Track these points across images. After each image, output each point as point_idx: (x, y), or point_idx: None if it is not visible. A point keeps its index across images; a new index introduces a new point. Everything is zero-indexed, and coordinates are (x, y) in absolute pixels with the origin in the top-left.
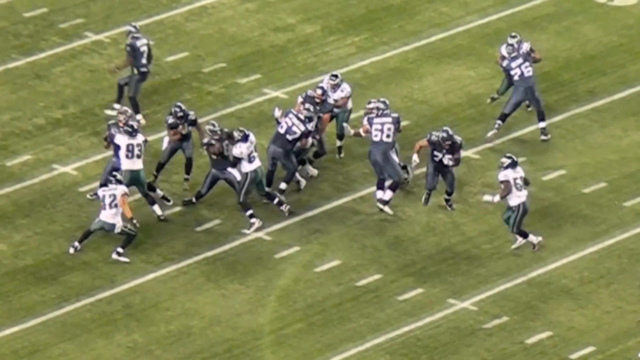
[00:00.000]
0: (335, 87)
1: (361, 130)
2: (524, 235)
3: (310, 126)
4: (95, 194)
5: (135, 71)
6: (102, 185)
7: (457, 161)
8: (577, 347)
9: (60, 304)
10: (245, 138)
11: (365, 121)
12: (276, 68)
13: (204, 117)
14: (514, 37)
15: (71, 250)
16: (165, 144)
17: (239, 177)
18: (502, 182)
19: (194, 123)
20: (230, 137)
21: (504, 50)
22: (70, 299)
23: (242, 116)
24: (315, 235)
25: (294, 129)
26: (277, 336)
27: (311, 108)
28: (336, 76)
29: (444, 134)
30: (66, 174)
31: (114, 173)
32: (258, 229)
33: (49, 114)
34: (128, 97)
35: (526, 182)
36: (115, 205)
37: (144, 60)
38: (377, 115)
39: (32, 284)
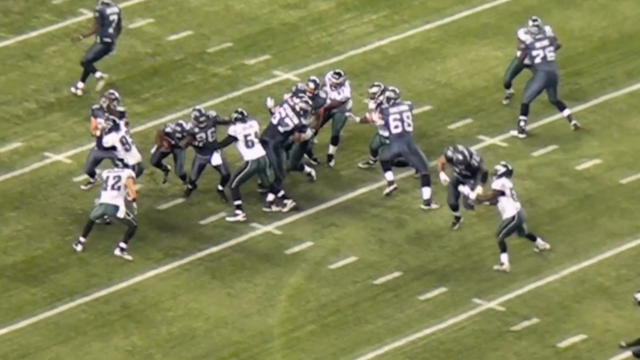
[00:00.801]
0: (337, 86)
1: (369, 116)
2: (503, 247)
3: (306, 120)
4: (90, 182)
5: (99, 40)
6: (90, 175)
7: (477, 201)
8: (614, 352)
9: (53, 303)
10: (243, 119)
11: (374, 113)
12: (287, 48)
13: (209, 102)
14: (535, 20)
15: (79, 248)
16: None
17: (218, 162)
18: (495, 190)
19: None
20: (218, 123)
21: (522, 35)
22: (64, 299)
23: (250, 100)
24: (329, 229)
25: (287, 120)
26: (288, 339)
27: (310, 101)
28: (340, 74)
29: (460, 156)
30: (59, 163)
31: (121, 157)
32: (268, 224)
33: (41, 98)
34: (81, 61)
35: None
36: (118, 188)
37: (110, 30)
38: (391, 105)
39: (22, 282)
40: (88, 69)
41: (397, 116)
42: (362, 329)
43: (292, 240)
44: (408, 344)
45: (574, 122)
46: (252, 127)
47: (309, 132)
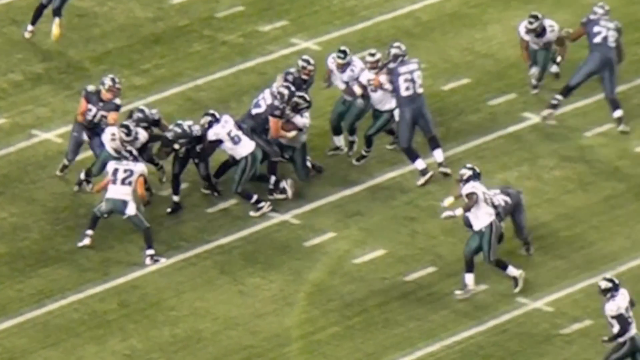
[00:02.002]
0: (343, 67)
1: (377, 79)
2: (504, 266)
3: (280, 104)
4: (87, 179)
5: None
6: (70, 162)
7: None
8: None
9: (42, 301)
10: (217, 119)
11: (381, 75)
12: (307, 13)
13: (218, 73)
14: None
15: (86, 242)
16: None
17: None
18: (468, 194)
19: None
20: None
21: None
22: (54, 296)
23: (264, 72)
24: (354, 218)
25: (260, 101)
26: (307, 342)
27: (291, 86)
28: (345, 53)
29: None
30: (49, 142)
31: (129, 148)
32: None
33: (27, 68)
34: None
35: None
36: (129, 183)
37: None
38: (399, 64)
39: (6, 276)
40: (37, 12)
41: (408, 76)
42: (391, 331)
43: (311, 231)
44: (443, 349)
45: (622, 126)
46: (228, 123)
47: (304, 137)
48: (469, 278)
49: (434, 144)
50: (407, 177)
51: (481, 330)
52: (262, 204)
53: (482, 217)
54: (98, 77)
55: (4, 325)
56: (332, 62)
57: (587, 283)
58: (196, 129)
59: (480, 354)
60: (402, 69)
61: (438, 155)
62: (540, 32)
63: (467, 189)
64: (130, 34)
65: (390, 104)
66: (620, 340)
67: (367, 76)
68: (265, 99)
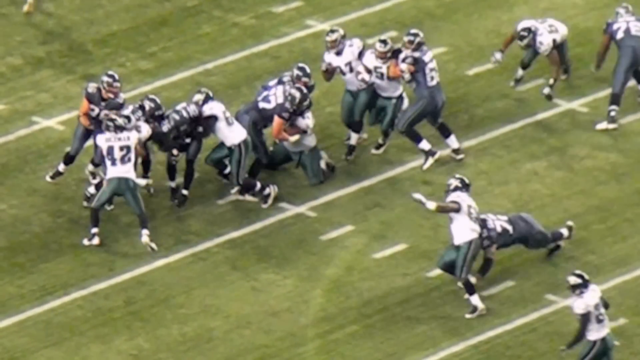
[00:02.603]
0: (334, 44)
1: (394, 69)
2: (471, 291)
3: (291, 106)
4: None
5: None
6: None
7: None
8: None
9: (43, 298)
10: (212, 97)
11: (400, 64)
12: None
13: (229, 57)
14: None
15: (95, 242)
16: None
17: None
18: (450, 202)
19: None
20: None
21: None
22: (56, 292)
23: (278, 55)
24: (373, 210)
25: (271, 97)
26: (324, 342)
27: (303, 89)
28: (335, 30)
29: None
30: (50, 129)
31: (112, 118)
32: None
33: (27, 52)
34: None
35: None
36: (129, 159)
37: None
38: (424, 52)
39: (6, 272)
40: None
41: (432, 65)
42: (413, 330)
43: (328, 224)
44: (468, 349)
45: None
46: (221, 104)
47: (311, 140)
48: (474, 299)
49: (446, 130)
50: (430, 167)
51: (508, 329)
52: (268, 189)
53: (463, 232)
54: (102, 60)
55: (3, 323)
56: (327, 52)
57: (620, 280)
58: (192, 109)
59: (507, 355)
60: (427, 58)
61: (453, 142)
62: (531, 44)
63: (451, 197)
64: (135, 15)
65: (397, 90)
66: (591, 339)
67: (372, 62)
68: (276, 97)
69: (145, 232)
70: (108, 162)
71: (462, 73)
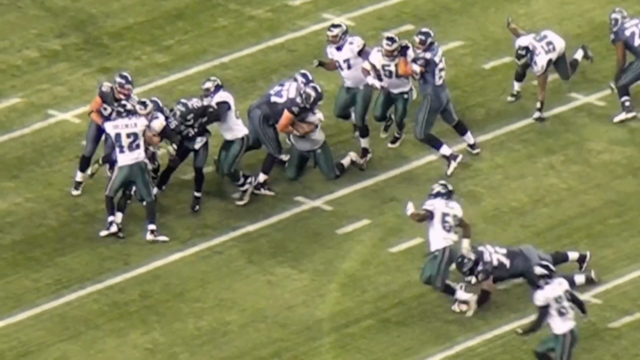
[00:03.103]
0: (334, 39)
1: (406, 67)
2: (451, 291)
3: (302, 103)
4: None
5: None
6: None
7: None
8: None
9: (59, 292)
10: (220, 86)
11: (411, 63)
12: None
13: (245, 50)
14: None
15: (113, 229)
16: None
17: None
18: (425, 210)
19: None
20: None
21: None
22: (72, 286)
23: (294, 49)
24: (389, 204)
25: (283, 91)
26: (340, 336)
27: (318, 88)
28: (337, 26)
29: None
30: (66, 122)
31: (124, 103)
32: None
33: (43, 45)
34: None
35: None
36: (137, 146)
37: None
38: (435, 51)
39: (22, 265)
40: None
41: (441, 65)
42: (429, 324)
43: (345, 218)
44: (484, 343)
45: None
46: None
47: (319, 135)
48: (461, 294)
49: (462, 128)
50: (445, 161)
51: (524, 324)
52: (247, 185)
53: (436, 240)
54: (118, 53)
55: (19, 317)
56: (329, 46)
57: (636, 274)
58: (195, 101)
59: (523, 349)
60: (437, 59)
61: (469, 138)
62: (529, 63)
63: (426, 204)
64: (151, 8)
65: (408, 84)
66: (558, 332)
67: (379, 60)
68: (289, 92)
69: (151, 227)
70: (117, 150)
71: (478, 67)
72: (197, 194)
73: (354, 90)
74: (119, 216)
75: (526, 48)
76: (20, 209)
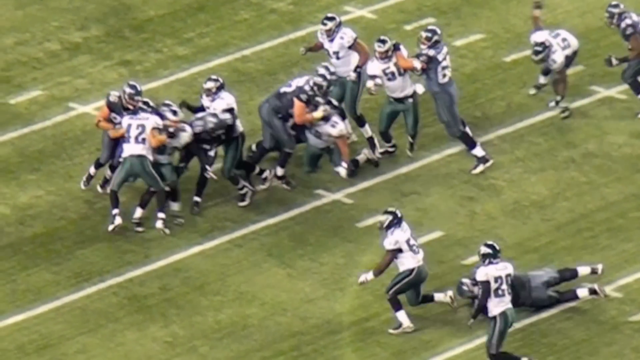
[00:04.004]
0: (329, 32)
1: (406, 62)
2: (396, 305)
3: (308, 87)
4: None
5: None
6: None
7: None
8: None
9: (79, 284)
10: (222, 86)
11: (416, 58)
12: None
13: (266, 43)
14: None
15: (117, 222)
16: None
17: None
18: (389, 251)
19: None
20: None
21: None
22: (92, 279)
23: (315, 42)
24: (410, 197)
25: (292, 81)
26: (360, 329)
27: (327, 75)
28: (331, 19)
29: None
30: (87, 115)
31: (145, 100)
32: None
33: (64, 37)
34: None
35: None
36: (143, 140)
37: None
38: (439, 49)
39: (42, 258)
40: None
41: (445, 63)
42: (449, 318)
43: (365, 211)
44: None
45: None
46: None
47: (339, 128)
48: (401, 315)
49: (467, 141)
50: (466, 154)
51: (544, 317)
52: (245, 189)
53: (407, 263)
54: (139, 46)
55: (40, 310)
56: (321, 34)
57: None
58: (227, 116)
59: (544, 342)
60: (441, 57)
61: (478, 150)
62: (545, 59)
63: (388, 243)
64: (172, 0)
65: (410, 87)
66: (491, 314)
67: (377, 67)
68: (297, 82)
69: (160, 215)
70: (125, 140)
71: (499, 60)
72: (197, 199)
73: (342, 80)
74: (139, 211)
75: (542, 44)
76: (41, 202)
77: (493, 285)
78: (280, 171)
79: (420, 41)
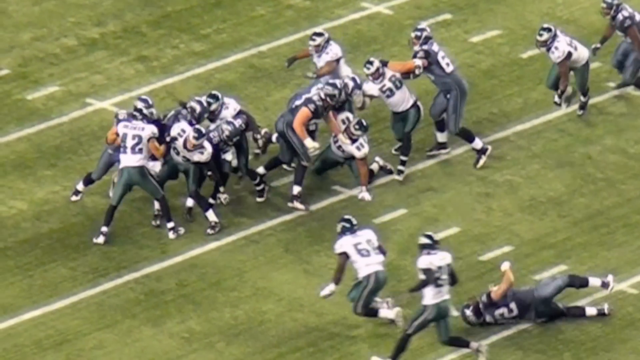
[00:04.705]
0: (318, 48)
1: (408, 64)
2: (374, 313)
3: (318, 98)
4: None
5: None
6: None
7: None
8: None
9: (96, 280)
10: (218, 98)
11: (415, 58)
12: None
13: (283, 39)
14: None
15: (100, 240)
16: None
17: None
18: (338, 255)
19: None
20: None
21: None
22: (109, 274)
23: (332, 38)
24: (426, 194)
25: (304, 95)
26: (377, 325)
27: (337, 84)
28: (320, 34)
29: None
30: (104, 111)
31: (139, 106)
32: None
33: (81, 33)
34: None
35: (381, 249)
36: (140, 151)
37: None
38: (432, 44)
39: (59, 254)
40: None
41: (442, 53)
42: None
43: (381, 207)
44: (519, 333)
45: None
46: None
47: (363, 152)
48: (387, 313)
49: (441, 125)
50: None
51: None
52: (262, 184)
53: (361, 270)
54: (155, 42)
55: (56, 305)
56: (310, 45)
57: None
58: (237, 121)
59: (560, 339)
60: (436, 47)
61: (442, 137)
62: (548, 44)
63: (337, 247)
64: None
65: (410, 101)
66: (424, 303)
67: (374, 87)
68: (309, 94)
69: (169, 225)
70: (122, 150)
71: (516, 56)
72: (212, 200)
73: None
74: (157, 204)
75: (549, 28)
76: (58, 198)
77: (435, 274)
78: (296, 189)
79: (412, 43)
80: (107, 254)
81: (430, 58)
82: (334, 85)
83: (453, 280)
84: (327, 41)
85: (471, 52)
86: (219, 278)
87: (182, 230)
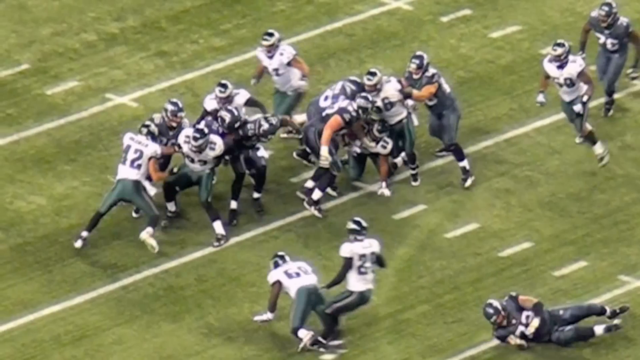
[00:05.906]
0: (270, 49)
1: (421, 93)
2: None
3: (352, 109)
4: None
5: None
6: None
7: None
8: None
9: (115, 275)
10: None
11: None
12: None
13: (303, 35)
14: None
15: (78, 244)
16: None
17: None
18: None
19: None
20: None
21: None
22: (128, 270)
23: (352, 33)
24: (446, 190)
25: (335, 104)
26: (396, 321)
27: (369, 97)
28: (271, 34)
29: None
30: (123, 106)
31: (147, 123)
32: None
33: (101, 28)
34: None
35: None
36: (139, 167)
37: None
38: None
39: (78, 249)
40: None
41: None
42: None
43: (401, 203)
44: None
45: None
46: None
47: (389, 148)
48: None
49: (461, 158)
50: (502, 146)
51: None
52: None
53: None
54: (175, 37)
55: (76, 300)
56: (260, 50)
57: None
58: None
59: None
60: (436, 70)
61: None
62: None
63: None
64: None
65: (404, 112)
66: (349, 288)
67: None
68: (340, 104)
69: (148, 229)
70: (121, 162)
71: (535, 52)
72: (256, 195)
73: (282, 94)
74: (170, 205)
75: (562, 44)
76: (77, 193)
77: (357, 263)
78: (317, 194)
79: (412, 72)
80: (126, 250)
81: (438, 81)
82: (366, 99)
83: (381, 264)
84: (279, 41)
85: (491, 47)
86: (238, 274)
87: (154, 244)
